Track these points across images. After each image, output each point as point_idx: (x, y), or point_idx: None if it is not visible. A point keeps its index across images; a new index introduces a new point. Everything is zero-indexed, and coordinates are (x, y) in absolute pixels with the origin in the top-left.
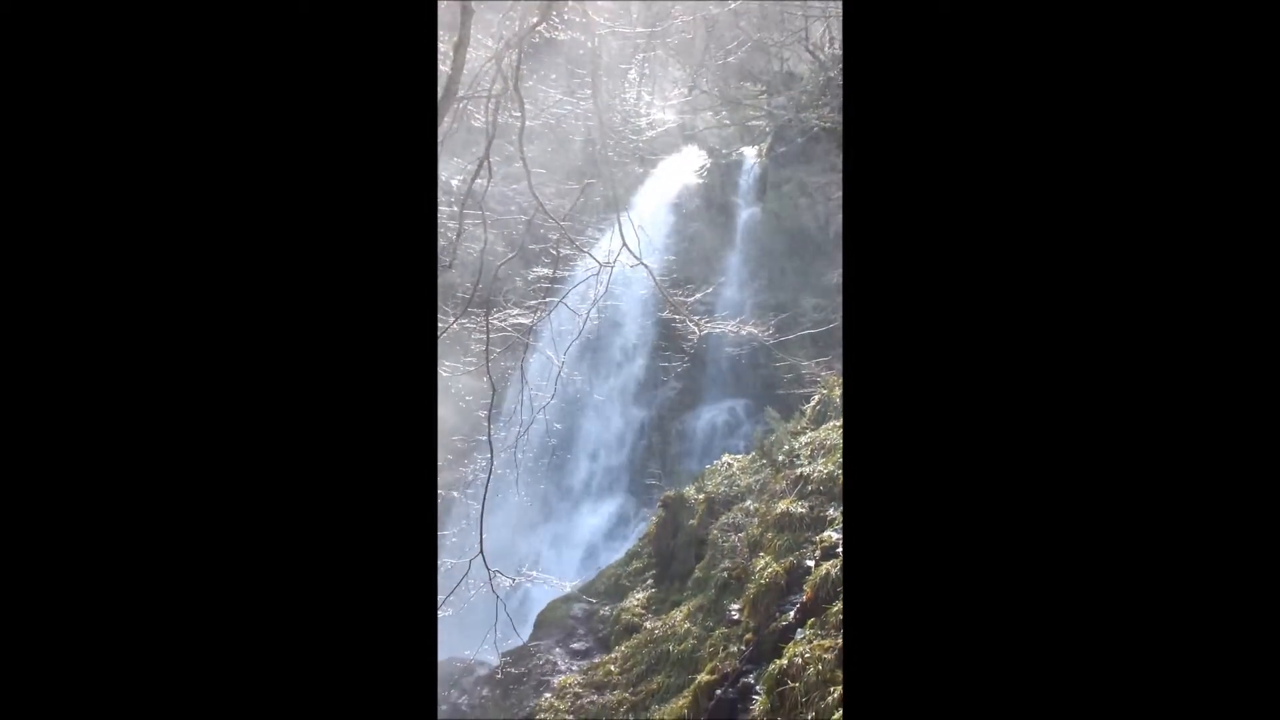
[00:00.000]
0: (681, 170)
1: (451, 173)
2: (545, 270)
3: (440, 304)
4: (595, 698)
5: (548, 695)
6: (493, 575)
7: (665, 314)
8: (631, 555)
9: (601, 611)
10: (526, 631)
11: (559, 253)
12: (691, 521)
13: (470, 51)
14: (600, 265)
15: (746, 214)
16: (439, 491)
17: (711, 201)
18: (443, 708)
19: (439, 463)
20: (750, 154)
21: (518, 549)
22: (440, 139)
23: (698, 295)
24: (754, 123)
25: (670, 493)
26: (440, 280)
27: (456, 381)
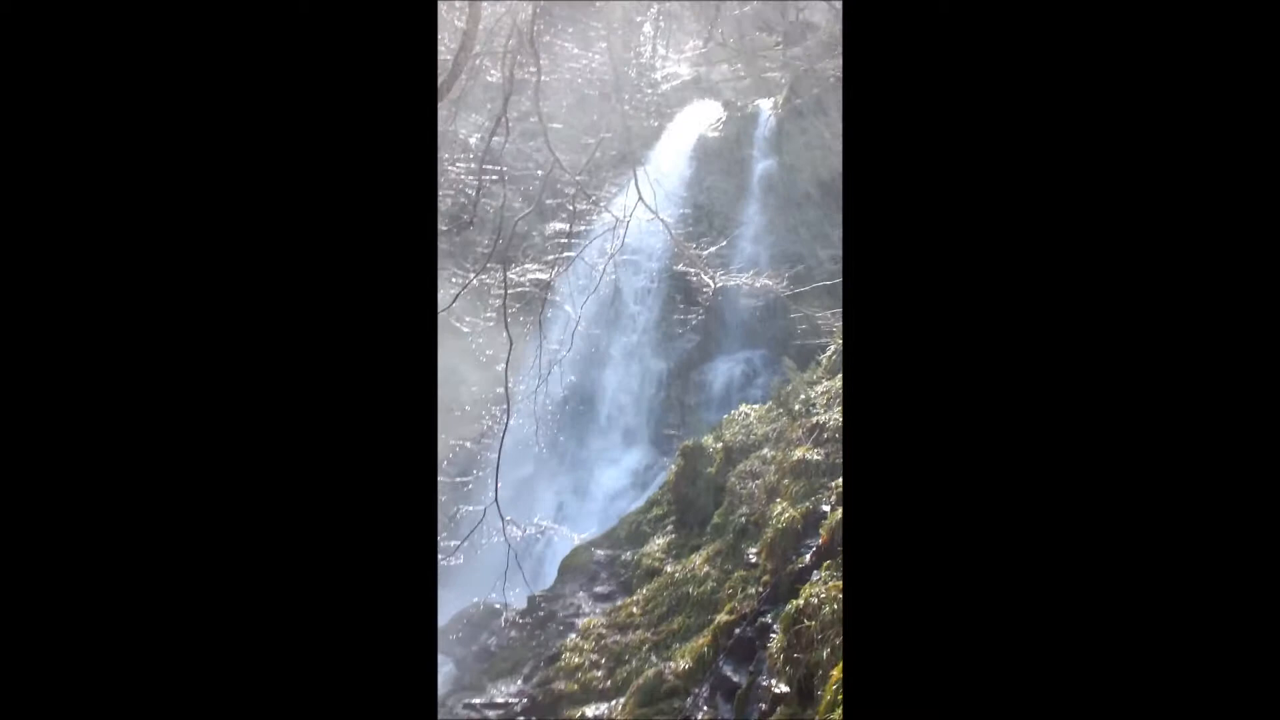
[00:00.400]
0: (697, 124)
1: (470, 130)
2: (562, 225)
3: (460, 260)
4: (619, 637)
5: (573, 636)
6: (506, 523)
7: (681, 267)
8: (652, 503)
9: (623, 557)
10: (551, 576)
11: (575, 208)
12: (710, 470)
13: (485, 7)
14: (616, 220)
15: (762, 166)
16: (458, 442)
17: (727, 154)
18: (472, 648)
19: (458, 414)
20: (766, 106)
21: (541, 498)
22: (457, 96)
23: (713, 249)
24: (769, 74)
25: (689, 442)
26: (460, 237)
27: (477, 336)
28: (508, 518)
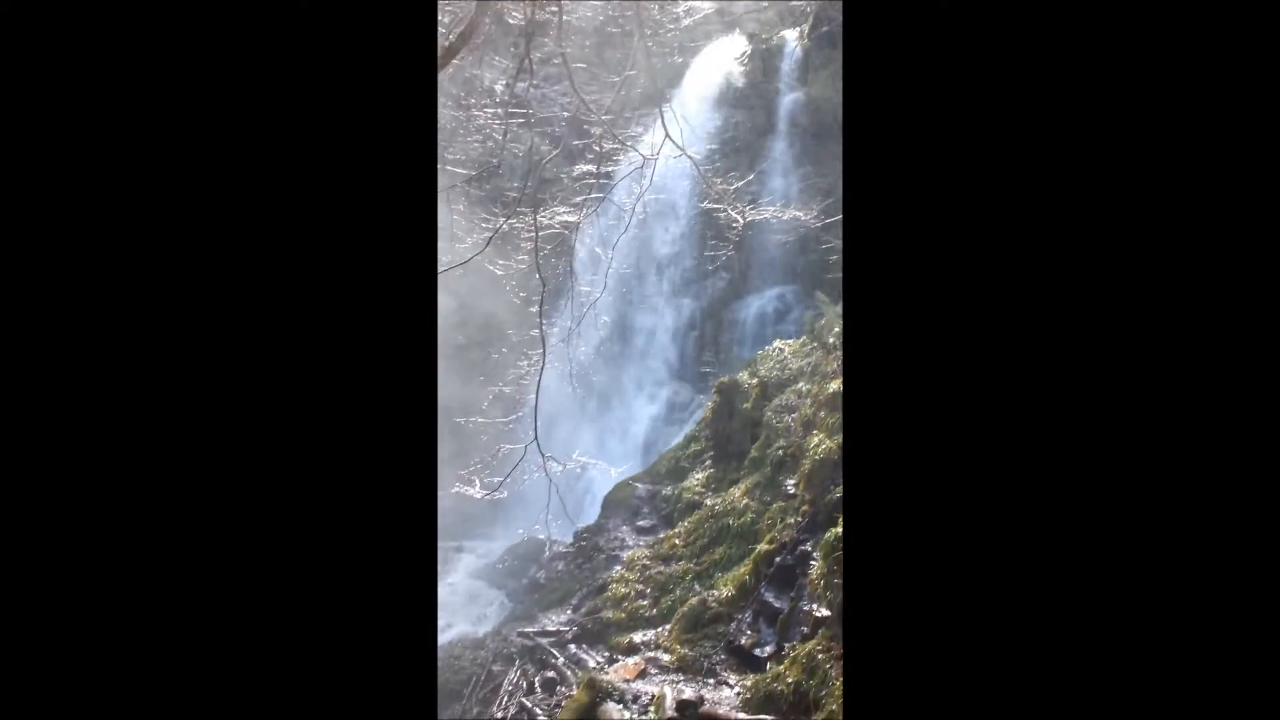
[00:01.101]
0: (722, 58)
1: (495, 75)
2: (590, 167)
3: (490, 205)
4: (662, 568)
5: (618, 568)
6: (546, 460)
7: (709, 204)
8: (690, 439)
9: (664, 491)
10: (595, 512)
11: (603, 149)
12: (746, 405)
13: None
14: (644, 159)
15: (789, 99)
16: (496, 387)
17: (753, 88)
18: (522, 581)
19: (496, 358)
20: (791, 37)
21: (581, 438)
22: (480, 40)
23: (740, 183)
24: (794, 3)
25: (724, 379)
26: (489, 183)
27: (510, 279)
28: (548, 454)
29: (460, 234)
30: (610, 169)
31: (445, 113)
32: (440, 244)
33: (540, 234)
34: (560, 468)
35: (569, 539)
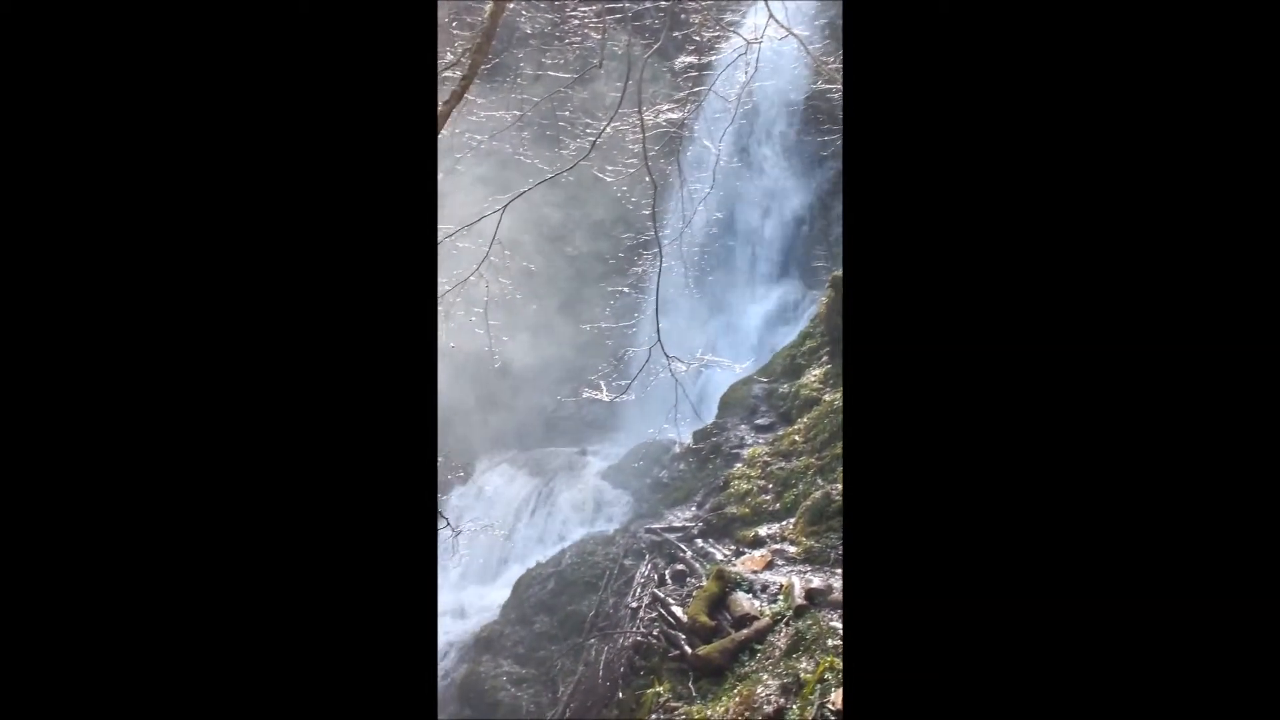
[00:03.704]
0: None
1: None
2: (691, 59)
3: (593, 110)
4: (784, 464)
5: (739, 465)
6: (670, 361)
7: (819, 85)
8: (804, 335)
9: (780, 389)
10: (712, 413)
11: (703, 38)
12: None
13: None
14: (747, 43)
15: None
16: (616, 289)
17: None
18: (645, 481)
19: (612, 262)
20: None
21: (693, 338)
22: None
23: None
24: None
25: (837, 272)
26: (588, 88)
27: (620, 185)
28: (671, 355)
29: (565, 140)
30: (712, 59)
31: (540, 16)
32: (546, 152)
33: (647, 134)
34: (685, 368)
35: (688, 439)
